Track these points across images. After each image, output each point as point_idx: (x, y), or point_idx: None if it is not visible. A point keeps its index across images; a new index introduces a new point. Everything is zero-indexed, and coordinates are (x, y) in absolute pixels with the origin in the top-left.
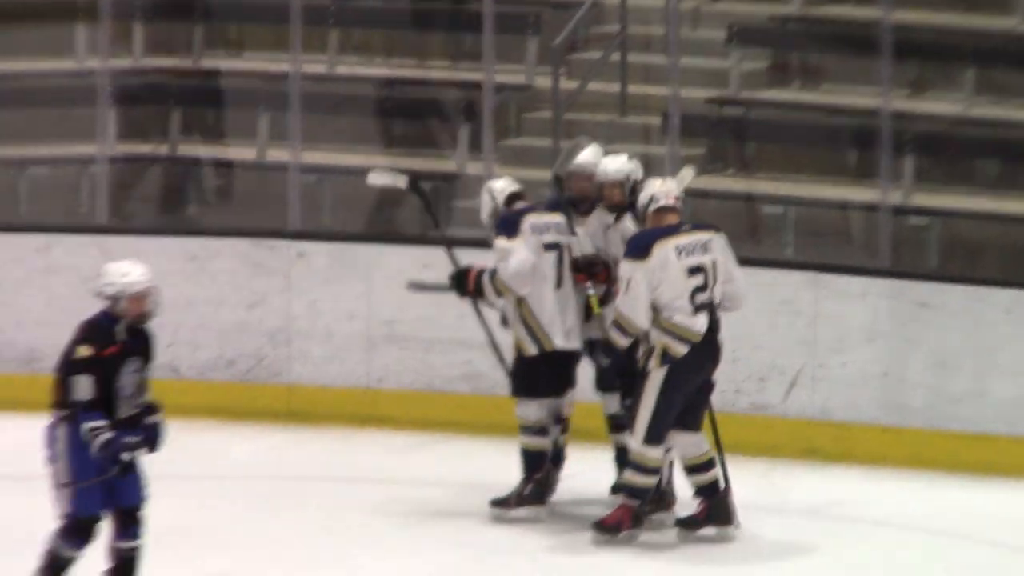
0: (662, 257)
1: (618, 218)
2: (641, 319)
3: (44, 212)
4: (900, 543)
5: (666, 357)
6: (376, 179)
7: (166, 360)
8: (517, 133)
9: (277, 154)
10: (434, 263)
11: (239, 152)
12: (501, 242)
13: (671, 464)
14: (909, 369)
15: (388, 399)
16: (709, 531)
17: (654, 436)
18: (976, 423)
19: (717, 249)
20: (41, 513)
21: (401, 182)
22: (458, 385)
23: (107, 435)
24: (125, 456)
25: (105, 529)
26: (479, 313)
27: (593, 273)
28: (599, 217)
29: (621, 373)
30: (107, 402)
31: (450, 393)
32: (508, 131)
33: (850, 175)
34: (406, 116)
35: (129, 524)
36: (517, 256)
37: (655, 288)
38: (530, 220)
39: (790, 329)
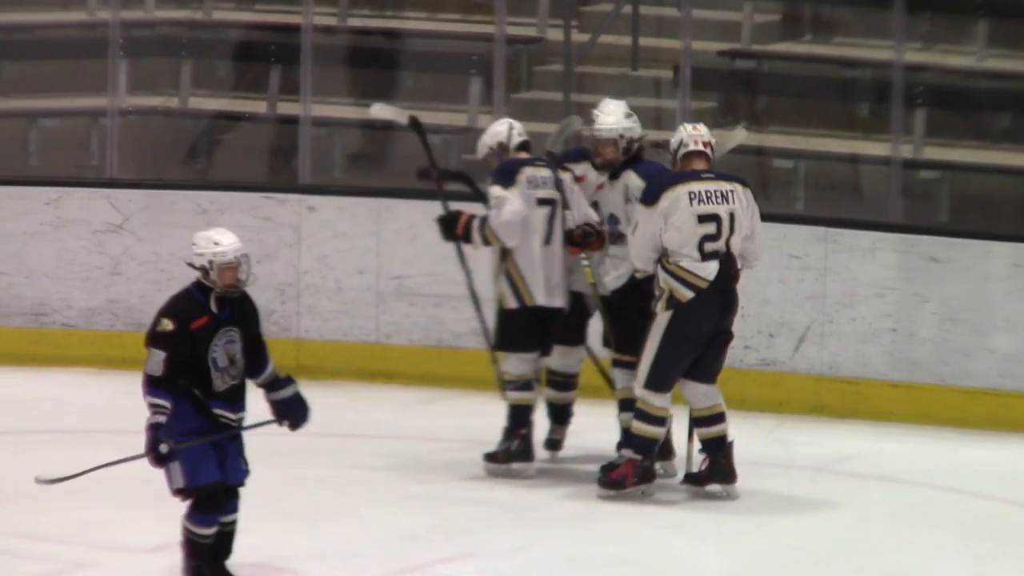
0: (672, 202)
1: (613, 176)
2: (642, 262)
3: (54, 165)
4: (907, 499)
5: (672, 301)
6: (378, 112)
7: None
8: (528, 86)
9: (287, 107)
10: None
11: (250, 105)
12: (496, 190)
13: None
14: (918, 324)
15: (397, 354)
16: (715, 487)
17: (655, 381)
18: (985, 378)
19: (738, 201)
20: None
21: (402, 118)
22: (467, 341)
23: (160, 418)
24: (162, 448)
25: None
26: (462, 260)
27: (588, 243)
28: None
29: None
30: (201, 375)
31: (459, 349)
32: (519, 84)
33: (861, 129)
34: (417, 69)
35: (229, 499)
36: (509, 206)
37: (664, 232)
38: (527, 173)
39: (799, 284)
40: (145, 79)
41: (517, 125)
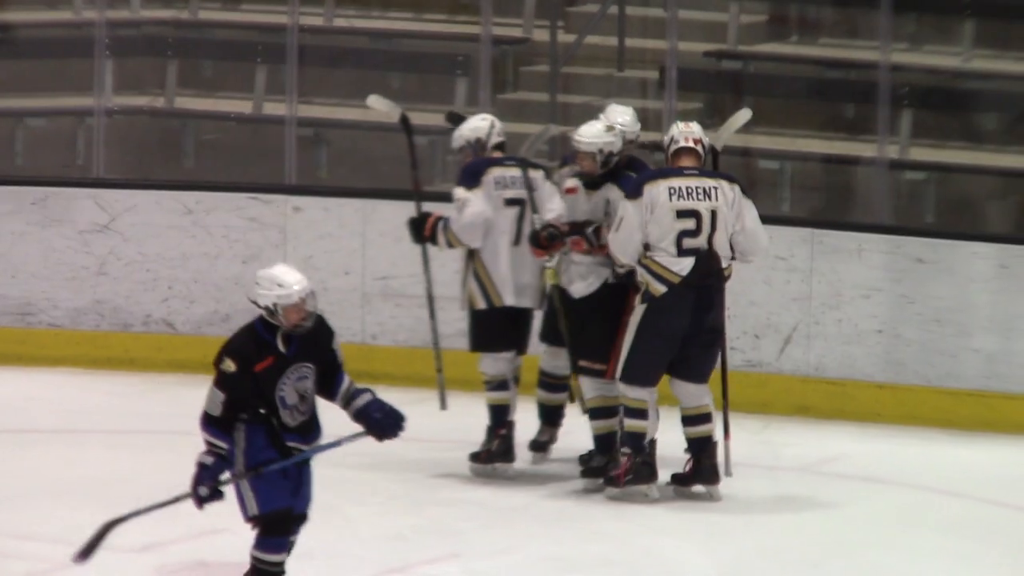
0: (652, 196)
1: (593, 187)
2: (626, 256)
3: (41, 164)
4: (892, 499)
5: (646, 295)
6: (374, 102)
7: (162, 315)
8: (514, 87)
9: (274, 108)
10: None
11: (236, 105)
12: (459, 191)
13: None
14: (904, 325)
15: (382, 355)
16: (699, 488)
17: (630, 374)
18: (970, 380)
19: (722, 198)
20: (32, 468)
21: (395, 113)
22: (453, 341)
23: (209, 459)
24: (202, 491)
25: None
26: (425, 261)
27: (550, 245)
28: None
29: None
30: (269, 412)
31: (445, 350)
32: (505, 85)
33: (847, 130)
34: (403, 69)
35: (297, 525)
36: (471, 208)
37: (645, 226)
38: (495, 173)
39: (785, 285)
40: (131, 79)
41: (498, 124)
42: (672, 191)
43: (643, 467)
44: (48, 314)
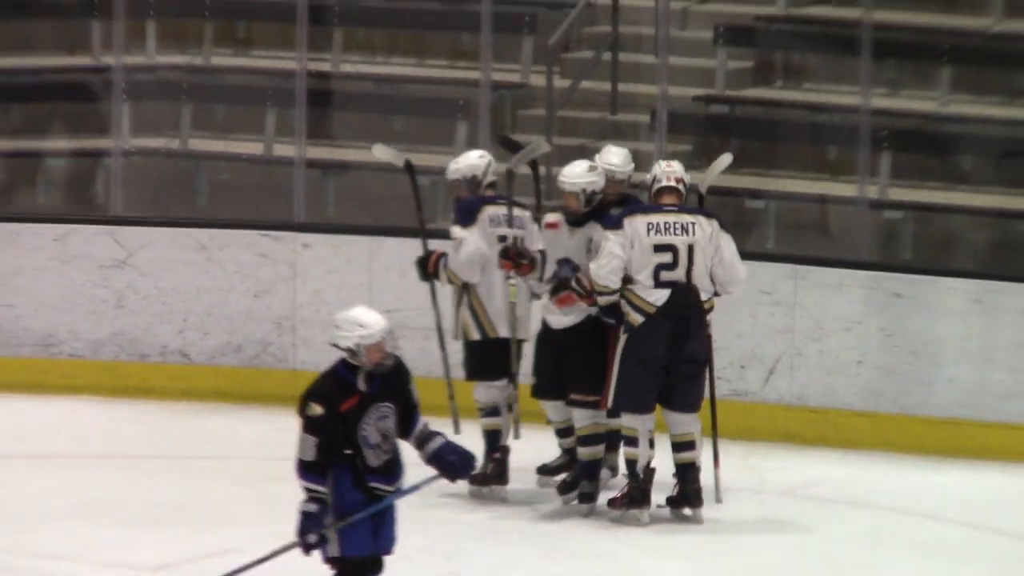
0: (632, 231)
1: (577, 224)
2: (607, 280)
3: (61, 203)
4: (871, 522)
5: (626, 325)
6: (379, 152)
7: (177, 346)
8: (512, 130)
9: (283, 149)
10: None
11: (247, 147)
12: (456, 230)
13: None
14: (883, 357)
15: None
16: (685, 511)
17: (618, 402)
18: (945, 408)
19: (700, 233)
20: (55, 490)
21: (399, 161)
22: (453, 372)
23: (312, 507)
24: (311, 538)
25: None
26: (433, 296)
27: (519, 263)
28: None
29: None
30: (354, 453)
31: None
32: (503, 128)
33: (829, 170)
34: (406, 113)
35: (377, 568)
36: (467, 247)
37: (627, 259)
38: (489, 211)
39: (770, 319)
40: (147, 121)
41: (493, 163)
42: (650, 226)
43: (637, 492)
44: (69, 345)
